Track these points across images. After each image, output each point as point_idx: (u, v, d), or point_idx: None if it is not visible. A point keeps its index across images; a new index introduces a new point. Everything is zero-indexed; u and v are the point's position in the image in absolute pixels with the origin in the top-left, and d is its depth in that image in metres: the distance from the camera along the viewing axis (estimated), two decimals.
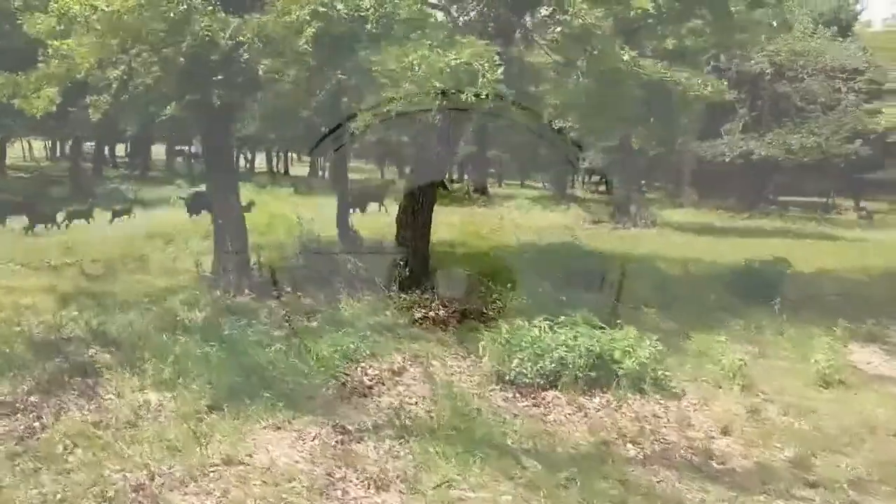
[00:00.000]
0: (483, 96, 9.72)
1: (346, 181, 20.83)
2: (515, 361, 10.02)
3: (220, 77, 13.12)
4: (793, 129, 37.42)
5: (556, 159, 37.96)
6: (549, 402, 9.66)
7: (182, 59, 12.46)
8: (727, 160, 37.77)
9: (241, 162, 44.36)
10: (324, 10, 10.51)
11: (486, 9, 13.28)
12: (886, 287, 16.98)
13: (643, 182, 41.09)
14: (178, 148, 49.12)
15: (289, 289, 14.00)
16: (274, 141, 40.89)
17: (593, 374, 9.91)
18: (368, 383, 10.06)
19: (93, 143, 41.43)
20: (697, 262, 19.99)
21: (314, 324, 12.24)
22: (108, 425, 8.34)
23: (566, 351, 9.93)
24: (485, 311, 13.25)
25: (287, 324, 11.92)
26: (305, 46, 11.46)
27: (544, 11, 13.24)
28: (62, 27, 11.10)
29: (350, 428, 8.56)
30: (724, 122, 38.24)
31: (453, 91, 10.71)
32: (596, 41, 12.49)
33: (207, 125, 14.45)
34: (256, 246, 15.86)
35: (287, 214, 21.47)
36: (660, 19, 14.33)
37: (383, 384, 10.09)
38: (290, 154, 53.70)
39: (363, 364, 10.58)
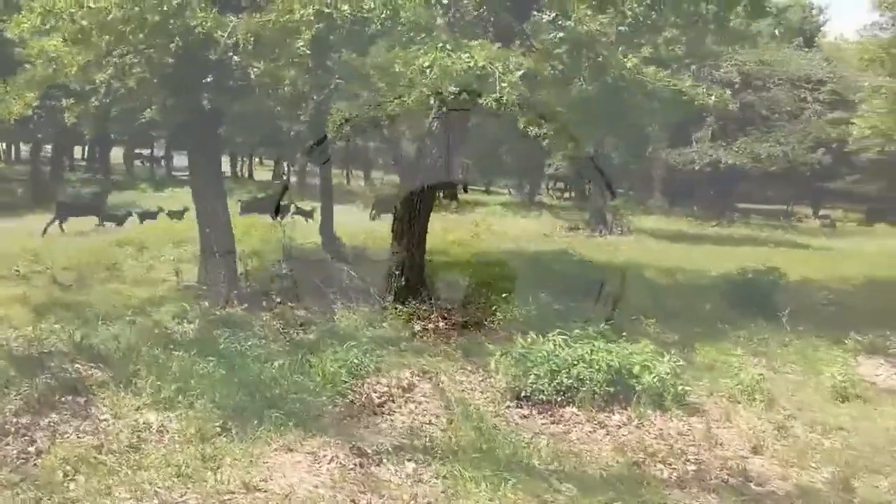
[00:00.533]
0: (503, 100, 9.36)
1: (329, 187, 20.28)
2: (531, 377, 9.64)
3: (209, 80, 12.62)
4: (759, 138, 37.89)
5: (528, 165, 37.94)
6: (568, 420, 9.32)
7: (171, 59, 11.92)
8: (696, 168, 38.06)
9: None
10: (328, 10, 10.06)
11: (485, 12, 12.92)
12: (874, 297, 16.99)
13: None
14: (137, 151, 47.92)
15: (279, 299, 13.44)
16: (240, 145, 40.00)
17: (611, 389, 9.59)
18: (378, 400, 9.60)
19: (49, 146, 40.12)
20: (682, 270, 19.94)
21: (311, 336, 11.74)
22: (110, 449, 7.76)
23: (584, 367, 9.58)
24: (485, 322, 12.92)
25: (284, 337, 11.41)
26: (303, 49, 11.06)
27: (546, 17, 12.89)
28: (47, 26, 10.47)
29: (367, 450, 8.10)
30: (693, 130, 38.53)
31: (460, 94, 10.41)
32: (600, 48, 12.27)
33: (195, 129, 13.77)
34: (242, 254, 15.23)
35: (263, 221, 20.90)
36: (636, 27, 14.10)
37: (394, 401, 9.64)
38: (253, 158, 52.77)
39: (370, 380, 10.10)
